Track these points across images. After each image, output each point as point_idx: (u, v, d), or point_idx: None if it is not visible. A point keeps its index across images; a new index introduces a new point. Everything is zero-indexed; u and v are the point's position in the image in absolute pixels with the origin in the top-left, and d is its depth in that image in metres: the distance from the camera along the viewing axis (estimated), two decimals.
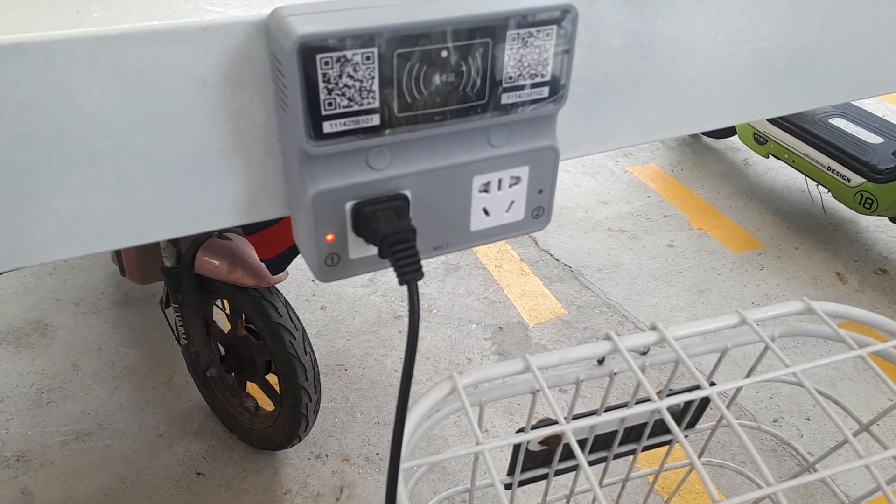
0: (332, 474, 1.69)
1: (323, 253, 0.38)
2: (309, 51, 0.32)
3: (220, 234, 1.52)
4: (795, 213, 2.65)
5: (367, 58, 0.33)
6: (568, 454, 0.59)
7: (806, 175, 2.43)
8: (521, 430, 0.52)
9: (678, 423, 0.60)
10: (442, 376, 1.95)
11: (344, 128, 0.35)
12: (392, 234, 0.36)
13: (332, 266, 0.39)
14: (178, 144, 0.36)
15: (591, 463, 0.62)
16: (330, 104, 0.34)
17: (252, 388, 1.75)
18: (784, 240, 2.52)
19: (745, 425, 0.63)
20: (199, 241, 1.49)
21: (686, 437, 0.65)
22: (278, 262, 1.32)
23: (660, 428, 0.61)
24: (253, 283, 1.45)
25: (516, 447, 0.55)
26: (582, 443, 0.58)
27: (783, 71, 0.50)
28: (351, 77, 0.33)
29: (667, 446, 0.65)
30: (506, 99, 0.37)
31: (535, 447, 0.56)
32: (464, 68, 0.35)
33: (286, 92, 0.33)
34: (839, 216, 2.63)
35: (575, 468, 0.60)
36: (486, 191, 0.41)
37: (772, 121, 2.47)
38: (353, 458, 1.73)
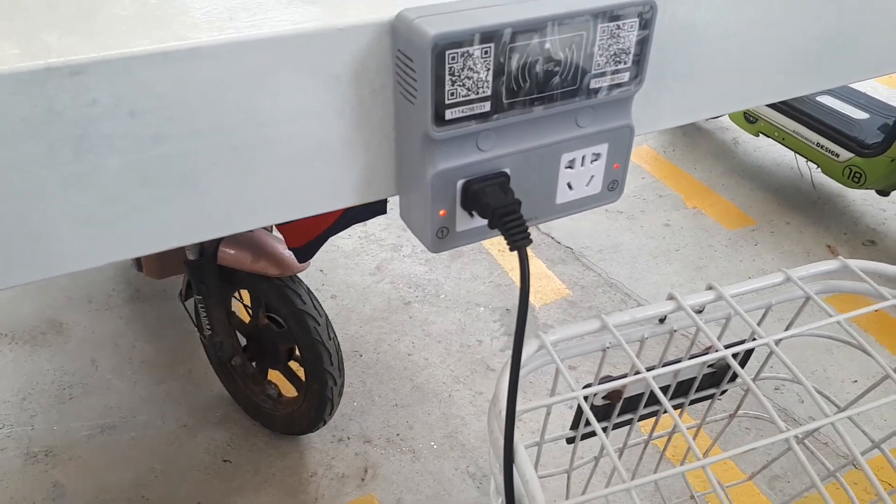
0: (355, 456, 1.74)
1: (436, 227, 0.43)
2: (441, 48, 0.37)
3: None
4: (786, 190, 2.73)
5: (486, 52, 0.38)
6: (625, 409, 0.64)
7: (795, 152, 2.51)
8: (587, 386, 0.57)
9: (724, 377, 0.66)
10: (454, 359, 2.01)
11: (461, 114, 0.40)
12: (501, 206, 0.42)
13: (442, 238, 0.44)
14: (313, 133, 0.41)
15: (641, 417, 0.68)
16: (452, 94, 0.39)
17: (273, 375, 1.79)
18: (776, 215, 2.59)
19: (780, 378, 0.69)
20: None
21: (726, 391, 0.71)
22: (307, 251, 1.37)
23: (704, 383, 0.67)
24: (277, 273, 1.49)
25: (580, 406, 0.60)
26: (638, 398, 0.64)
27: (818, 51, 0.55)
28: (471, 69, 0.38)
29: (707, 401, 0.71)
30: (594, 84, 0.42)
31: (598, 402, 0.61)
32: (562, 58, 0.40)
33: (415, 85, 0.38)
34: (828, 191, 2.71)
35: (630, 422, 0.66)
36: (570, 167, 0.46)
37: None
38: (374, 440, 1.78)
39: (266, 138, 0.39)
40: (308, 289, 1.57)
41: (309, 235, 1.34)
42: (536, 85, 0.41)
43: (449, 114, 0.39)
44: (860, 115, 2.42)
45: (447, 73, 0.38)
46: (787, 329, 0.58)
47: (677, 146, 3.01)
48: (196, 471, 1.72)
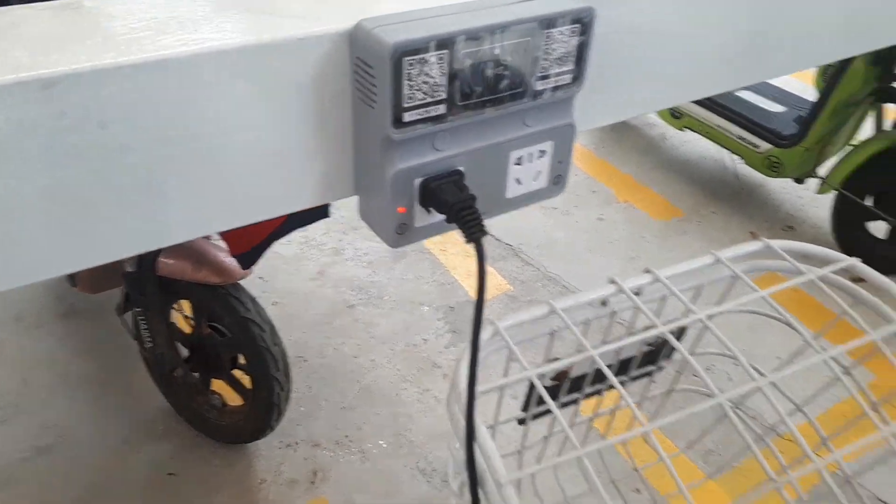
0: (304, 460, 1.74)
1: (395, 223, 0.46)
2: (399, 55, 0.39)
3: None
4: (711, 181, 2.86)
5: (441, 58, 0.41)
6: (572, 389, 0.68)
7: (719, 145, 2.63)
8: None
9: (660, 354, 0.70)
10: (400, 358, 2.03)
11: (419, 116, 0.42)
12: (458, 202, 0.44)
13: (402, 234, 0.47)
14: (277, 139, 0.42)
15: (587, 396, 0.72)
16: (410, 98, 0.41)
17: (217, 384, 1.77)
18: (702, 206, 2.71)
19: (712, 353, 0.75)
20: None
21: (663, 367, 0.75)
22: (250, 257, 1.36)
23: (643, 361, 0.71)
24: (219, 280, 1.48)
25: (531, 386, 0.63)
26: (583, 378, 0.68)
27: (742, 51, 0.60)
28: (427, 75, 0.41)
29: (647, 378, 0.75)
30: (539, 86, 0.46)
31: (546, 383, 0.65)
32: (510, 62, 0.43)
33: (374, 90, 0.41)
34: (750, 181, 2.86)
35: (576, 401, 0.69)
36: (519, 164, 0.49)
37: None
38: (322, 443, 1.78)
39: (231, 145, 0.41)
40: (251, 296, 1.56)
41: (252, 241, 1.33)
42: (487, 88, 0.44)
43: (407, 116, 0.42)
44: (777, 108, 2.56)
45: (405, 78, 0.40)
46: (712, 316, 0.63)
47: (608, 143, 3.11)
48: (141, 486, 1.68)
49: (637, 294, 0.60)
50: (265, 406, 1.59)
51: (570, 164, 0.52)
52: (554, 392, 0.67)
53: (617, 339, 0.64)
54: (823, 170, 2.40)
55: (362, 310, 2.20)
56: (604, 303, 0.60)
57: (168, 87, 0.37)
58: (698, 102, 2.60)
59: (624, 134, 3.19)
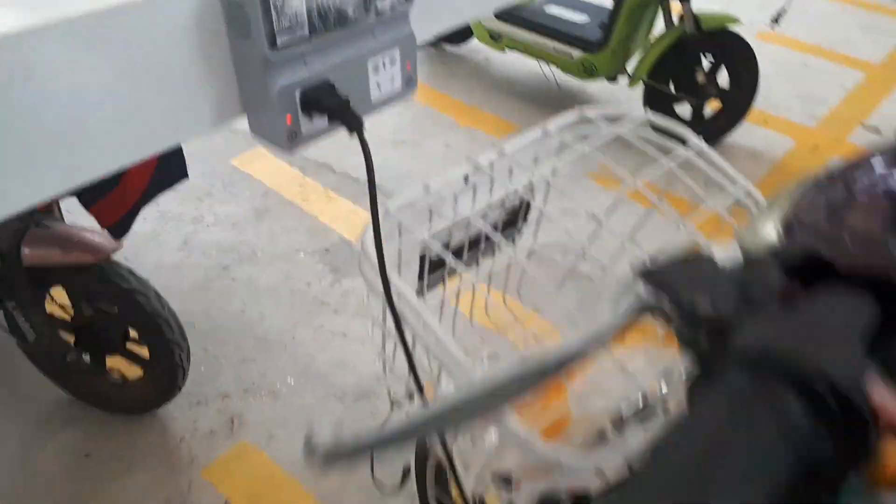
0: (217, 412, 1.81)
1: (285, 131, 0.57)
2: None
3: (38, 222, 1.53)
4: (538, 94, 3.10)
5: None
6: (456, 256, 0.83)
7: (538, 59, 2.86)
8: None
9: (518, 216, 0.87)
10: (288, 305, 2.12)
11: (289, 39, 0.53)
12: (335, 103, 0.56)
13: (293, 140, 0.58)
14: (176, 73, 0.52)
15: (467, 263, 0.87)
16: (279, 24, 0.52)
17: (112, 359, 1.77)
18: (535, 117, 2.95)
19: (560, 207, 0.92)
20: (19, 236, 1.48)
21: (521, 230, 0.92)
22: (122, 226, 1.39)
23: (507, 227, 0.87)
24: (93, 259, 1.49)
25: (422, 258, 0.77)
26: (461, 249, 0.83)
27: None
28: (289, 4, 0.52)
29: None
30: (380, 4, 0.58)
31: (434, 258, 0.79)
32: None
33: (249, 21, 0.51)
34: (571, 88, 3.13)
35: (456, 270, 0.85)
36: (376, 71, 0.61)
37: (498, 17, 2.83)
38: (232, 394, 1.86)
39: (127, 90, 0.50)
40: (128, 267, 1.58)
41: (121, 211, 1.37)
42: (338, 10, 0.55)
43: (279, 40, 0.53)
44: (582, 17, 2.81)
45: (273, 9, 0.51)
46: (553, 170, 0.79)
47: (437, 73, 3.26)
48: (58, 474, 1.69)
49: (490, 168, 0.75)
50: (168, 369, 1.64)
51: (417, 68, 0.65)
52: (441, 262, 0.82)
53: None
54: (631, 67, 2.69)
55: (238, 269, 2.25)
56: (465, 179, 0.74)
57: (76, 34, 0.46)
58: (513, 22, 2.80)
59: (451, 63, 3.35)
